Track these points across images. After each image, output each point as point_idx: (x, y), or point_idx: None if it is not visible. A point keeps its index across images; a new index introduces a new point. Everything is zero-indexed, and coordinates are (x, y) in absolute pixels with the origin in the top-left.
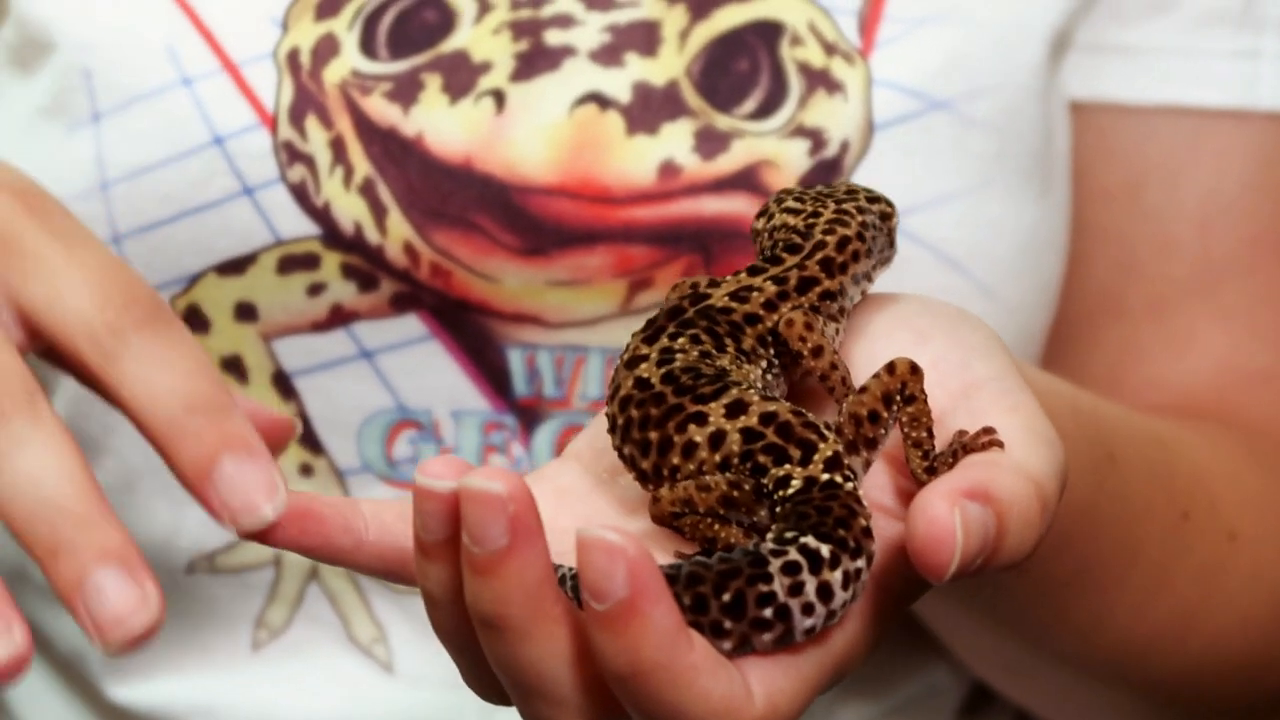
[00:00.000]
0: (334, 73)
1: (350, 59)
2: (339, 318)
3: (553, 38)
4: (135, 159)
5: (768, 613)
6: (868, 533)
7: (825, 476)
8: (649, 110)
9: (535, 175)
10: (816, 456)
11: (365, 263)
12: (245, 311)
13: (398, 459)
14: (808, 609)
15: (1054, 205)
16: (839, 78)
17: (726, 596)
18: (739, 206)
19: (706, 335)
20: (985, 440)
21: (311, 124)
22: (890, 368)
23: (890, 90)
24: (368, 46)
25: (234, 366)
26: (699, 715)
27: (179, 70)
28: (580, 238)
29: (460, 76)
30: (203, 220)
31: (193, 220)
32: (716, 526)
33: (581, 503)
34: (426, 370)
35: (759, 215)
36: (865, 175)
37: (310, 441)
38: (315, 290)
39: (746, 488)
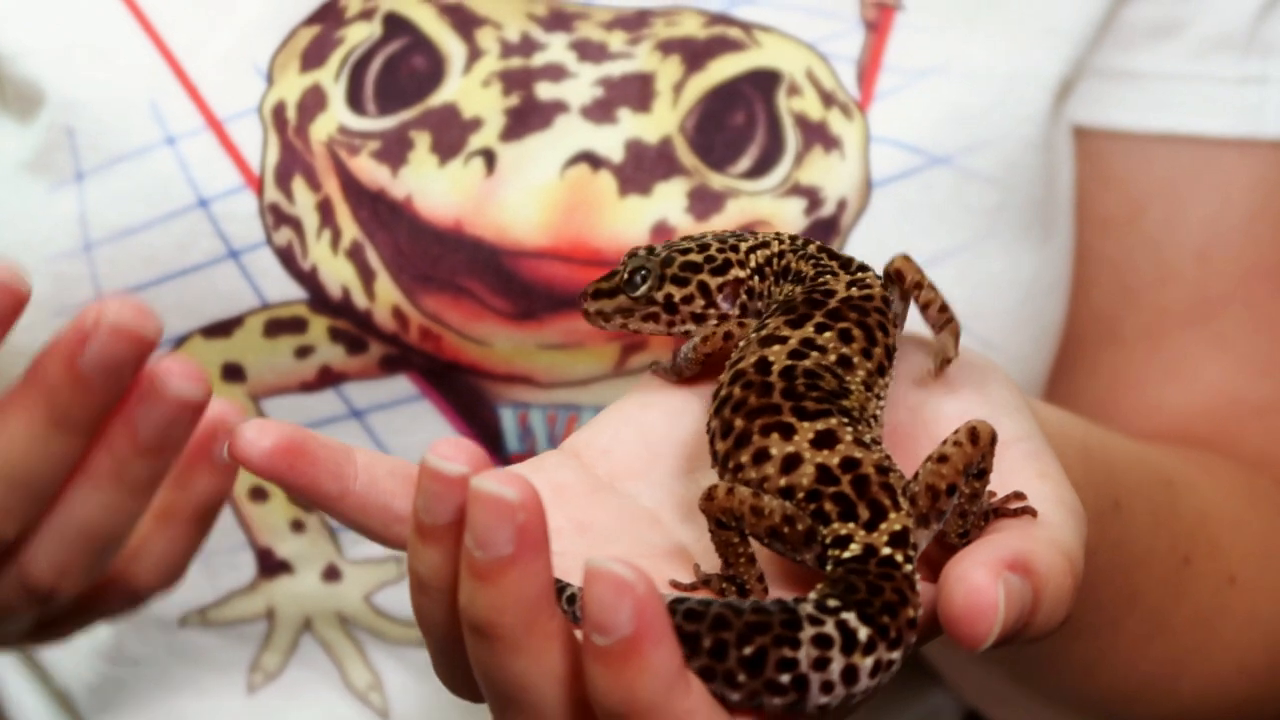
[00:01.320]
0: (321, 129)
1: (337, 114)
2: (328, 379)
3: (544, 91)
4: (119, 220)
5: (785, 679)
6: (912, 625)
7: (886, 551)
8: (642, 170)
9: (526, 239)
10: (884, 525)
11: (353, 327)
12: (233, 372)
13: None
14: (826, 687)
15: (1056, 249)
16: (837, 133)
17: (748, 650)
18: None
19: (859, 330)
20: (1017, 506)
21: (298, 185)
22: (973, 436)
23: (889, 147)
24: (355, 100)
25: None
26: None
27: (162, 129)
28: (572, 301)
29: (450, 134)
30: (188, 283)
31: (178, 283)
32: (743, 562)
33: (577, 504)
34: (417, 429)
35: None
36: (863, 233)
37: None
38: (303, 352)
39: (800, 528)
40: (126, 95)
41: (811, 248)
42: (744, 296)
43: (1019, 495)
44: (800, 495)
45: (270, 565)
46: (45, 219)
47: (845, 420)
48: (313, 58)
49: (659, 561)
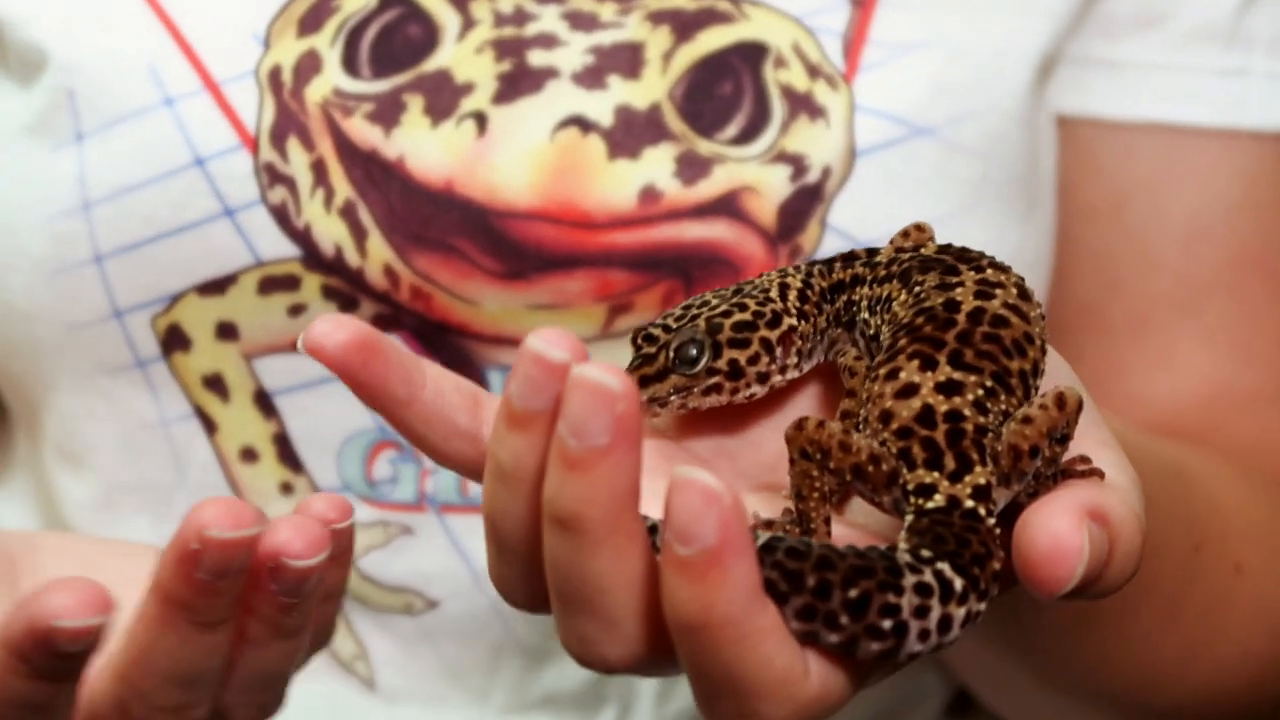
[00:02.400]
0: (316, 91)
1: (332, 77)
2: None
3: (536, 58)
4: (117, 179)
5: (887, 624)
6: (997, 578)
7: (970, 504)
8: (631, 134)
9: (516, 200)
10: (968, 479)
11: (346, 285)
12: (226, 331)
13: (378, 479)
14: (923, 635)
15: (1038, 225)
16: (822, 103)
17: (853, 593)
18: (719, 232)
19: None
20: (1085, 468)
21: (293, 145)
22: (1060, 401)
23: (873, 117)
24: (350, 64)
25: (215, 385)
26: (756, 680)
27: (161, 90)
28: (560, 262)
29: (442, 98)
30: (184, 241)
31: (174, 241)
32: (816, 498)
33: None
34: None
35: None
36: (847, 202)
37: (290, 460)
38: (296, 311)
39: (884, 469)
40: (126, 58)
41: (819, 268)
42: (799, 342)
43: (1084, 459)
44: (894, 426)
45: None
46: (45, 179)
47: (991, 382)
48: (309, 24)
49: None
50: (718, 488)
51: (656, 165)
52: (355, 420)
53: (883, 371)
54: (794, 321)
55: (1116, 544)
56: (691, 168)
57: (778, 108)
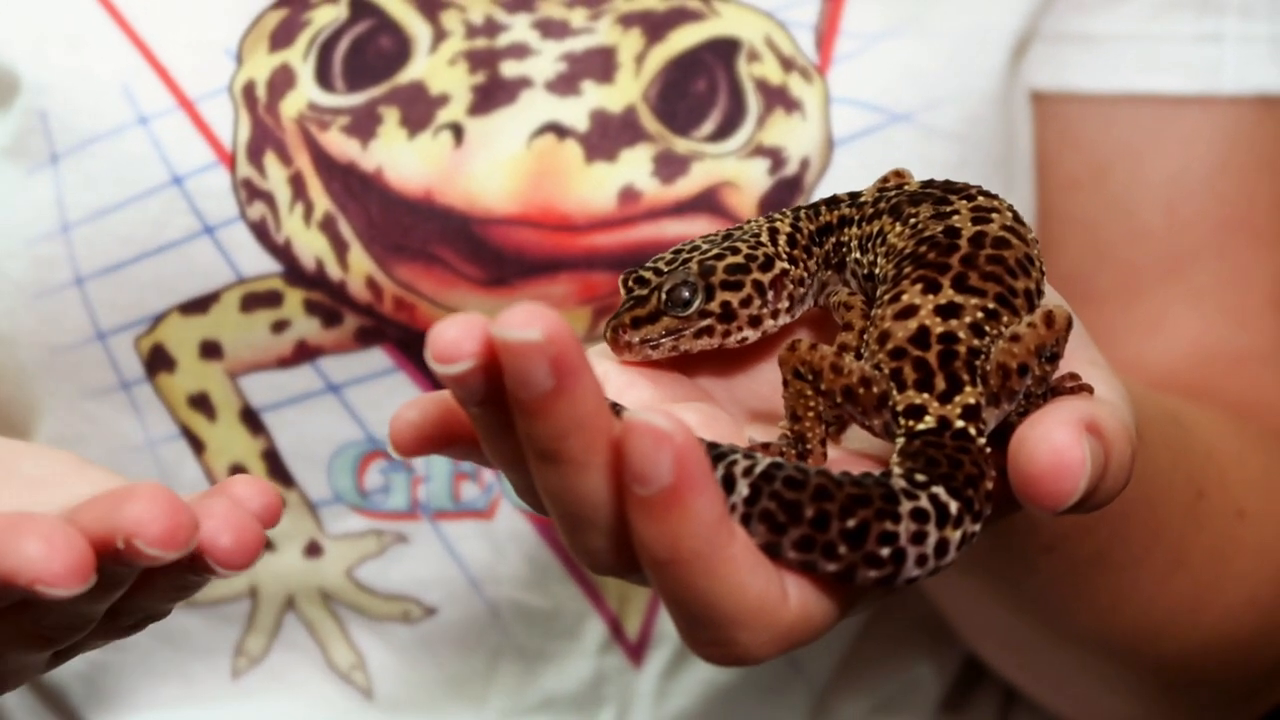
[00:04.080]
0: (291, 106)
1: (306, 91)
2: (304, 353)
3: (509, 69)
4: (95, 201)
5: (885, 551)
6: (989, 497)
7: (960, 424)
8: (607, 137)
9: (496, 206)
10: (958, 398)
11: (328, 299)
12: (210, 349)
13: (369, 489)
14: (921, 560)
15: (1017, 203)
16: (797, 95)
17: (851, 523)
18: (700, 229)
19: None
20: (1073, 384)
21: (270, 161)
22: (1049, 319)
23: (849, 106)
24: (324, 77)
25: (201, 404)
26: (731, 609)
27: (134, 109)
28: (543, 267)
29: (418, 109)
30: (164, 260)
31: (154, 260)
32: (811, 418)
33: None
34: (394, 401)
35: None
36: (827, 191)
37: (281, 475)
38: (279, 327)
39: (875, 391)
40: (98, 78)
41: (805, 212)
42: (790, 286)
43: (1074, 376)
44: (889, 346)
45: None
46: (23, 203)
47: (994, 304)
48: (281, 38)
49: (723, 432)
50: (667, 427)
51: (634, 166)
52: (343, 433)
53: (887, 298)
54: (785, 265)
55: (1110, 456)
56: (669, 166)
57: (753, 102)
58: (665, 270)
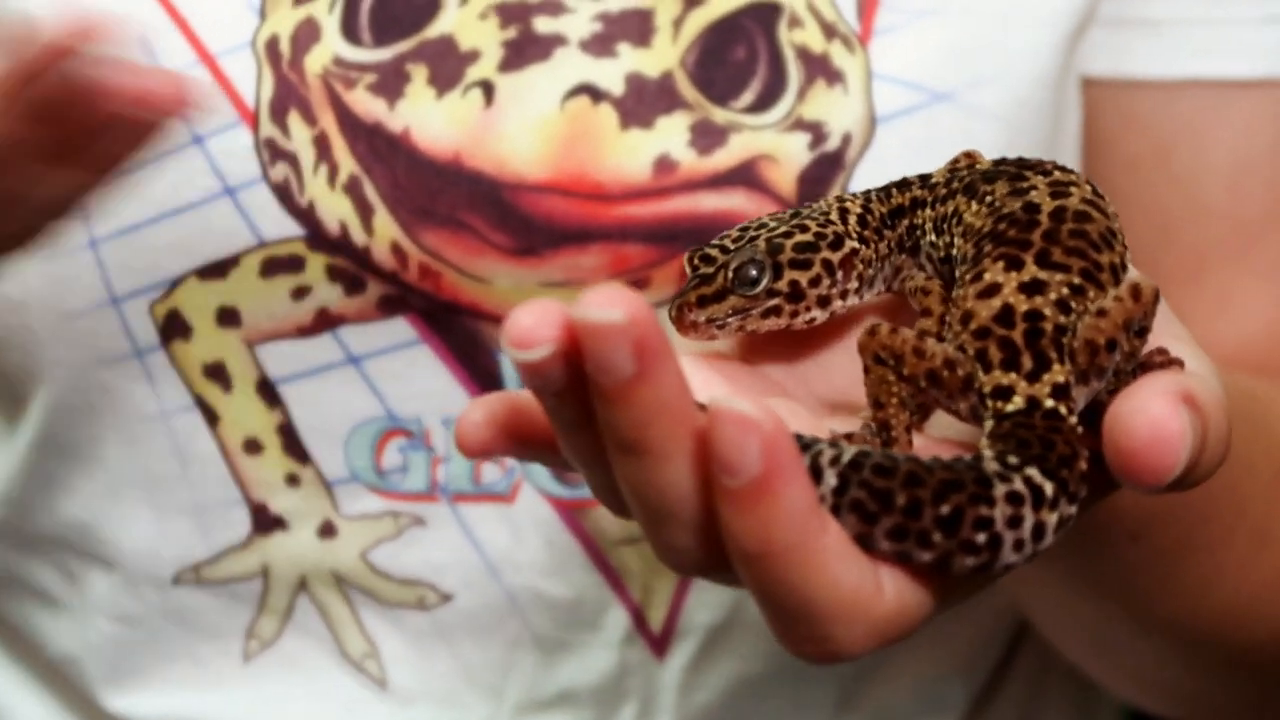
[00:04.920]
0: (315, 61)
1: (332, 45)
2: (325, 322)
3: (542, 25)
4: None
5: (981, 537)
6: (1085, 478)
7: (1050, 403)
8: (643, 103)
9: (526, 172)
10: (1046, 377)
11: (351, 264)
12: (228, 316)
13: (387, 468)
14: (1018, 545)
15: None
16: (839, 66)
17: (945, 509)
18: (737, 203)
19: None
20: (1163, 359)
21: (294, 120)
22: (1135, 292)
23: (891, 84)
24: (350, 30)
25: (217, 373)
26: (825, 602)
27: (154, 64)
28: (574, 236)
29: (447, 66)
30: (183, 222)
31: (172, 222)
32: (895, 404)
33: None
34: (415, 375)
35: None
36: (869, 169)
37: (296, 450)
38: (300, 293)
39: (960, 373)
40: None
41: (876, 194)
42: (860, 267)
43: (1162, 350)
44: (973, 327)
45: (265, 521)
46: None
47: (1079, 279)
48: None
49: (802, 426)
50: (755, 414)
51: (671, 135)
52: (362, 408)
53: (969, 277)
54: (856, 244)
55: (1208, 428)
56: (707, 137)
57: (794, 71)
58: (731, 248)
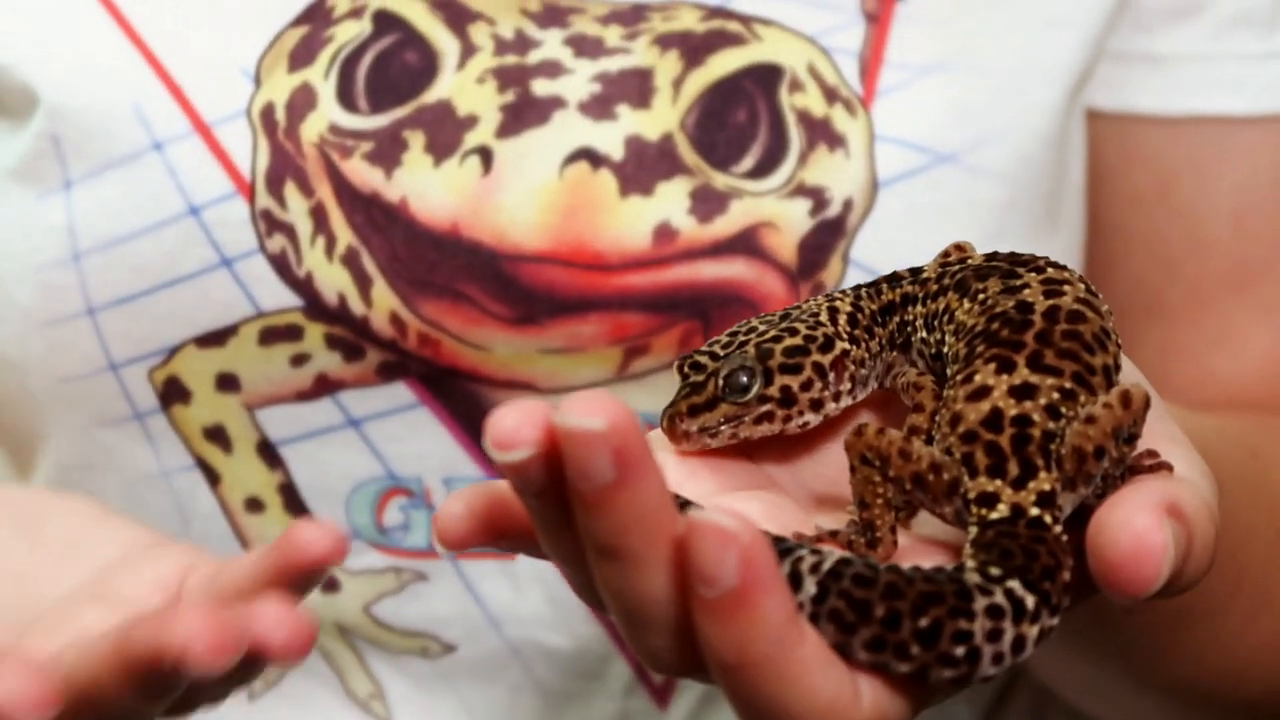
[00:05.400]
0: (311, 129)
1: (328, 112)
2: (324, 387)
3: (540, 88)
4: (108, 229)
5: (959, 651)
6: (1068, 589)
7: (1035, 512)
8: (643, 168)
9: (525, 242)
10: (1032, 485)
11: (350, 333)
12: (227, 382)
13: (388, 526)
14: (997, 658)
15: (1064, 242)
16: (841, 130)
17: (924, 622)
18: (737, 271)
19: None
20: (1152, 462)
21: (290, 191)
22: (1125, 399)
23: (894, 145)
24: (346, 97)
25: (217, 436)
26: (803, 712)
27: (149, 134)
28: (573, 306)
29: (444, 132)
30: (180, 292)
31: (170, 292)
32: (880, 505)
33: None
34: (416, 437)
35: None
36: (870, 234)
37: (298, 509)
38: (299, 361)
39: (945, 478)
40: (111, 101)
41: (866, 291)
42: (852, 368)
43: (1152, 453)
44: (961, 430)
45: None
46: (33, 228)
47: (1071, 383)
48: (301, 57)
49: (788, 521)
50: (733, 527)
51: (671, 201)
52: (363, 468)
53: (959, 378)
54: (846, 345)
55: (1193, 538)
56: (707, 203)
57: (795, 136)
58: (721, 354)
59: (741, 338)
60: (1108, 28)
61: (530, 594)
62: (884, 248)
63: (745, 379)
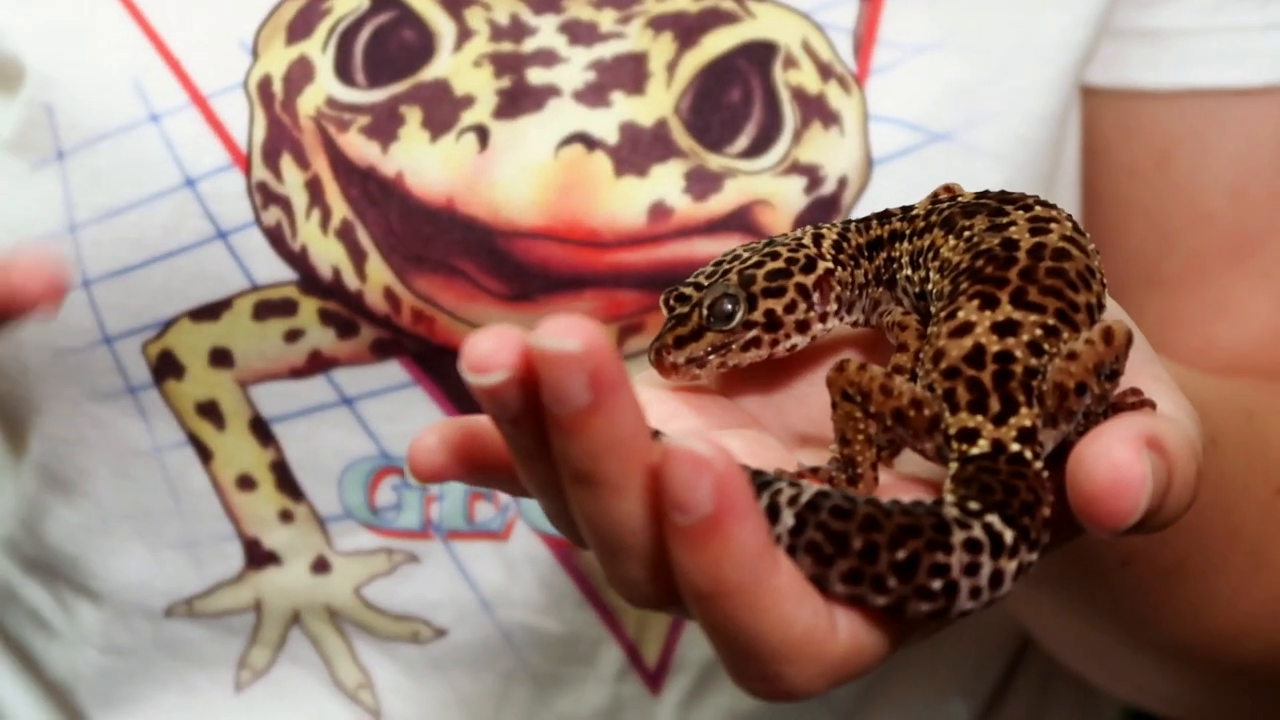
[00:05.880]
0: (309, 102)
1: (325, 85)
2: (318, 364)
3: (536, 77)
4: (104, 201)
5: (936, 584)
6: (1048, 524)
7: (1015, 447)
8: (637, 152)
9: (520, 218)
10: (1013, 420)
11: (344, 309)
12: (220, 357)
13: (380, 506)
14: (975, 592)
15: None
16: (835, 108)
17: (901, 554)
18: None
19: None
20: (1135, 400)
21: (287, 163)
22: (1108, 335)
23: (888, 124)
24: (344, 70)
25: (210, 412)
26: (777, 643)
27: (146, 105)
28: (567, 283)
29: (441, 110)
30: (175, 265)
31: (165, 265)
32: (861, 441)
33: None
34: (409, 416)
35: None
36: (865, 211)
37: (289, 487)
38: (293, 336)
39: (926, 414)
40: (107, 72)
41: (855, 224)
42: (837, 288)
43: (1135, 391)
44: (943, 366)
45: (258, 556)
46: (27, 199)
47: (1054, 320)
48: (299, 30)
49: (771, 458)
50: (707, 453)
51: (665, 182)
52: (356, 447)
53: (943, 315)
54: (829, 265)
55: (1173, 473)
56: (702, 183)
57: (789, 113)
58: (706, 284)
59: (725, 266)
60: (1108, 7)
61: (523, 577)
62: None
63: (729, 306)
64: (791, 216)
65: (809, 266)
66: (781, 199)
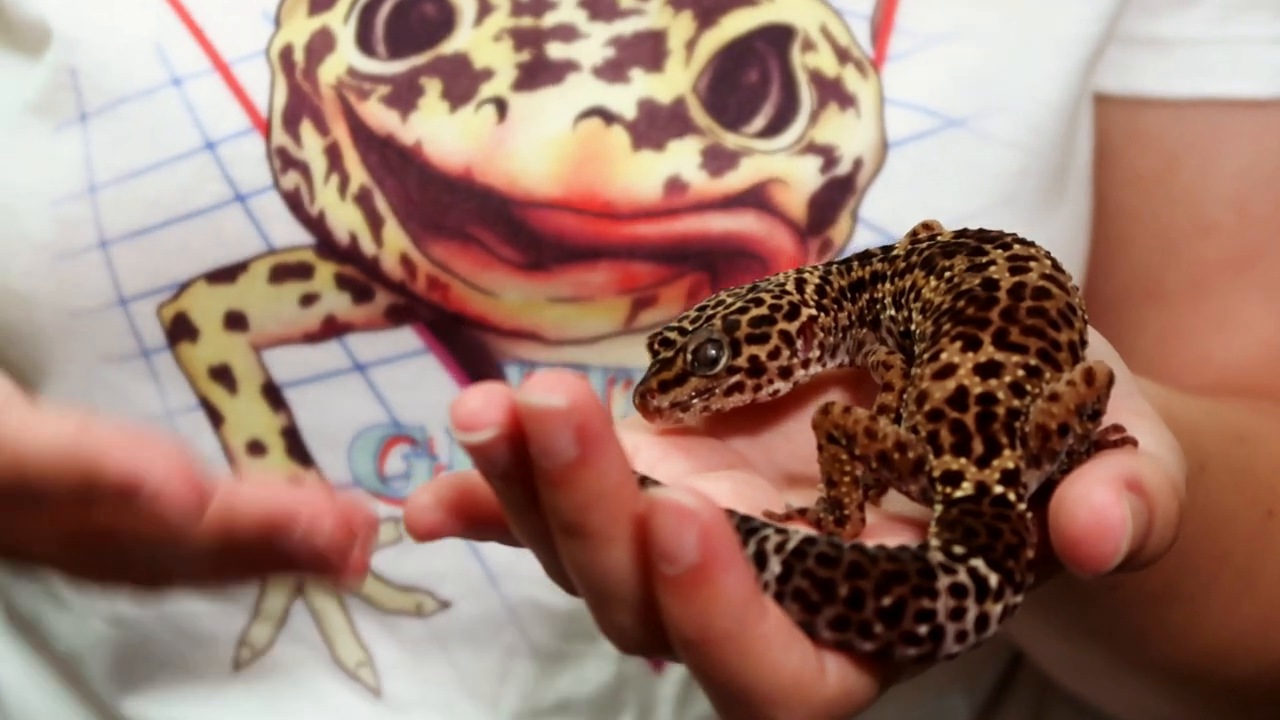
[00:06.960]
0: (329, 71)
1: (346, 55)
2: (332, 329)
3: (555, 51)
4: (123, 163)
5: (922, 629)
6: (1032, 566)
7: (999, 490)
8: (655, 127)
9: (537, 188)
10: (996, 462)
11: (360, 274)
12: (235, 320)
13: (390, 475)
14: (960, 636)
15: (1070, 214)
16: (852, 91)
17: (887, 600)
18: (747, 225)
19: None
20: (1117, 437)
21: (306, 130)
22: (1089, 376)
23: (903, 109)
24: (365, 42)
25: (223, 376)
26: (767, 688)
27: (168, 70)
28: (582, 254)
29: (461, 82)
30: (193, 227)
31: (183, 226)
32: (848, 483)
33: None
34: (421, 385)
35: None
36: (879, 194)
37: (299, 454)
38: (308, 300)
39: (910, 456)
40: (131, 36)
41: (836, 266)
42: (820, 335)
43: (1118, 428)
44: (927, 408)
45: None
46: (49, 160)
47: (1036, 360)
48: (321, 2)
49: (759, 499)
50: (693, 505)
51: (682, 157)
52: (367, 415)
53: (926, 356)
54: (813, 311)
55: (1154, 513)
56: (718, 160)
57: (806, 95)
58: (690, 329)
59: (709, 311)
60: (1120, 4)
61: (530, 552)
62: (893, 207)
63: (713, 351)
64: (806, 196)
65: (792, 313)
66: (797, 178)
